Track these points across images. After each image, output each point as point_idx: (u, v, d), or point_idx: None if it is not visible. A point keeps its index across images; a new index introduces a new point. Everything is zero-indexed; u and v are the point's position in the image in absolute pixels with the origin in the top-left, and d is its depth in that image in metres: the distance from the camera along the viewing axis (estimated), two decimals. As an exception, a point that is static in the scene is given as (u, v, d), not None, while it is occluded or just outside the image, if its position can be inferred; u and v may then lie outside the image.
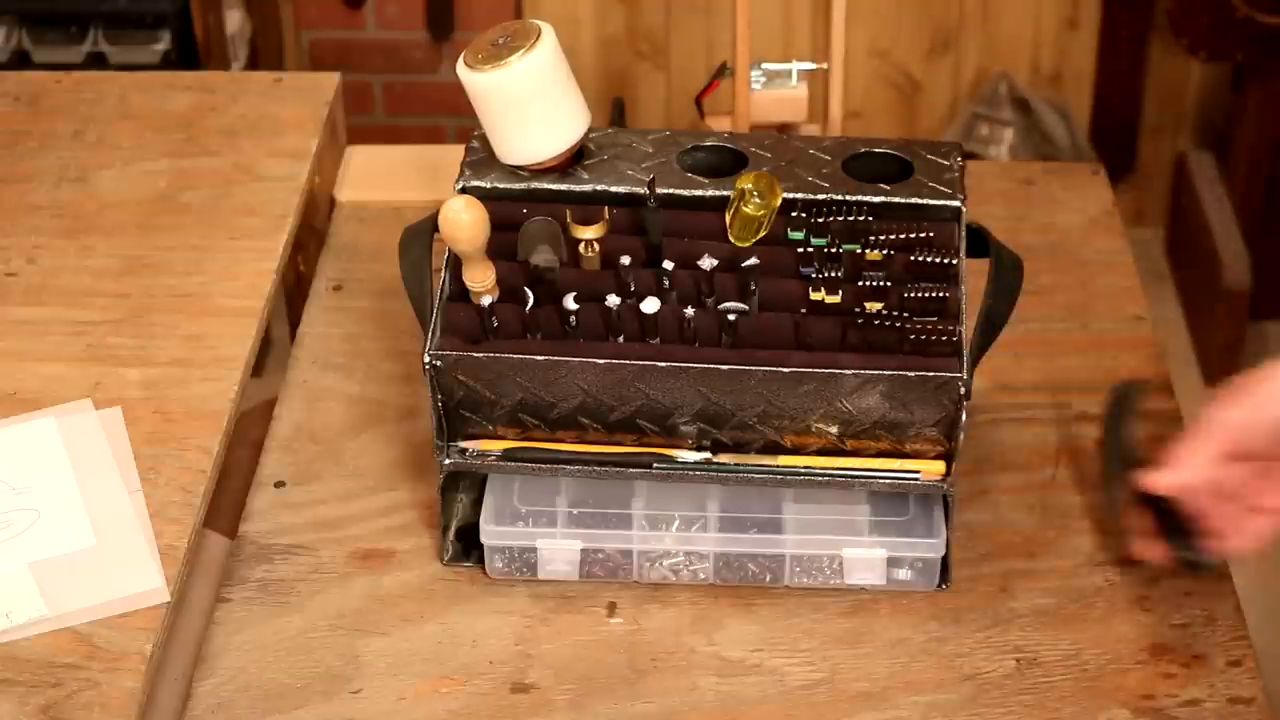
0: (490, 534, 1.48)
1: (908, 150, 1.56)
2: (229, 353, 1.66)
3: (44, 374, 1.63)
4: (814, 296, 1.44)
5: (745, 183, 1.47)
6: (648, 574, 1.50)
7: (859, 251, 1.47)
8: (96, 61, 2.92)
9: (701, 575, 1.49)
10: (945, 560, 1.48)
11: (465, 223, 1.40)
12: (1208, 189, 3.21)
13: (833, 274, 1.46)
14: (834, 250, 1.47)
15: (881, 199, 1.51)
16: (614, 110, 2.75)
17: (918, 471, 1.45)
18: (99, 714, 1.35)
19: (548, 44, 1.49)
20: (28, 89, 2.01)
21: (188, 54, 2.94)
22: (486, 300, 1.42)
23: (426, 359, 1.42)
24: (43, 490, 1.51)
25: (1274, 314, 3.25)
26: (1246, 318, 3.12)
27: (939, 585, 1.49)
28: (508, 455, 1.46)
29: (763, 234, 1.48)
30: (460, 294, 1.45)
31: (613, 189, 1.53)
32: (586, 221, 1.47)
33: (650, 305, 1.40)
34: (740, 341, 1.42)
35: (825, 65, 2.23)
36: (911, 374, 1.39)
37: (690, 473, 1.46)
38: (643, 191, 1.50)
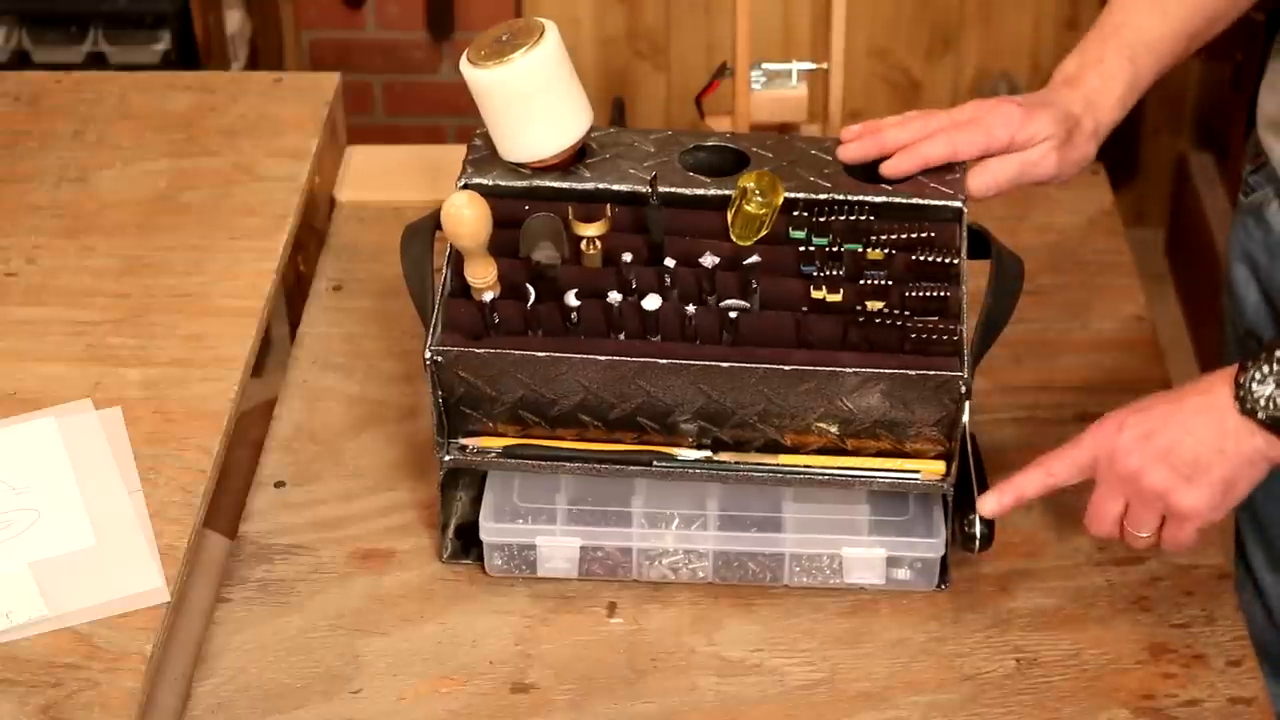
0: (490, 531, 1.48)
1: (908, 149, 1.55)
2: (229, 353, 1.66)
3: (44, 374, 1.63)
4: (815, 295, 1.44)
5: (747, 181, 1.47)
6: (647, 572, 1.49)
7: (860, 251, 1.47)
8: (96, 61, 2.92)
9: (700, 574, 1.49)
10: (944, 560, 1.48)
11: (467, 218, 1.40)
12: (1208, 189, 3.21)
13: (834, 273, 1.46)
14: (835, 249, 1.47)
15: (883, 199, 1.50)
16: (614, 110, 2.76)
17: (918, 471, 1.45)
18: (99, 714, 1.35)
19: (551, 41, 1.49)
20: (28, 89, 2.01)
21: (188, 54, 2.94)
22: (488, 296, 1.42)
23: (428, 354, 1.42)
24: (43, 490, 1.51)
25: (1274, 314, 3.24)
26: (1247, 318, 3.12)
27: (938, 585, 1.49)
28: (508, 452, 1.46)
29: (764, 233, 1.48)
30: (462, 290, 1.45)
31: (615, 187, 1.52)
32: (588, 219, 1.47)
33: (651, 302, 1.40)
34: (741, 339, 1.42)
35: (825, 65, 2.22)
36: (912, 373, 1.39)
37: (690, 471, 1.45)
38: (645, 190, 1.50)
